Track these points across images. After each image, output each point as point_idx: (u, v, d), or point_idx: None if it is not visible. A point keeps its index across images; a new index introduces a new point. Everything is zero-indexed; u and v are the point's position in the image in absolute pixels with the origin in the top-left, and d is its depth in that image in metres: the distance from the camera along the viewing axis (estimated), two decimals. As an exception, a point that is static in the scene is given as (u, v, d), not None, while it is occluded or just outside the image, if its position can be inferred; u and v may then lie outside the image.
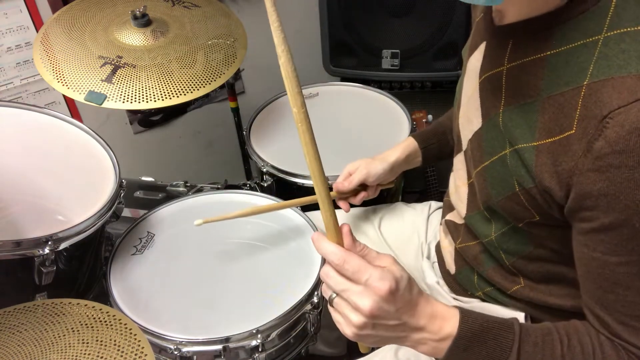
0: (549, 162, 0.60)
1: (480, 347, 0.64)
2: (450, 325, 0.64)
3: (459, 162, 0.86)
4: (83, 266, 1.01)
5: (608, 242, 0.58)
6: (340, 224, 0.64)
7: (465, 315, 0.65)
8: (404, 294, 0.61)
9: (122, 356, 0.72)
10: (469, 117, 0.77)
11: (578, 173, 0.57)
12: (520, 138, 0.64)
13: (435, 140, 1.06)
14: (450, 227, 0.92)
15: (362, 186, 1.05)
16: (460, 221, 0.88)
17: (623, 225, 0.56)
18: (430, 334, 0.64)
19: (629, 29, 0.55)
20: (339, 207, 1.06)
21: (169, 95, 1.08)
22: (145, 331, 0.86)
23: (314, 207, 1.20)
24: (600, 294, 0.62)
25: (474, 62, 0.76)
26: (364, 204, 1.18)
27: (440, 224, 0.99)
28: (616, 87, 0.53)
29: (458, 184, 0.87)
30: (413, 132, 1.33)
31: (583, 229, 0.61)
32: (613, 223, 0.56)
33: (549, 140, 0.60)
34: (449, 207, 0.94)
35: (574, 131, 0.57)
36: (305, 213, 1.11)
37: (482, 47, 0.74)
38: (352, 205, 1.12)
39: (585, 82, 0.56)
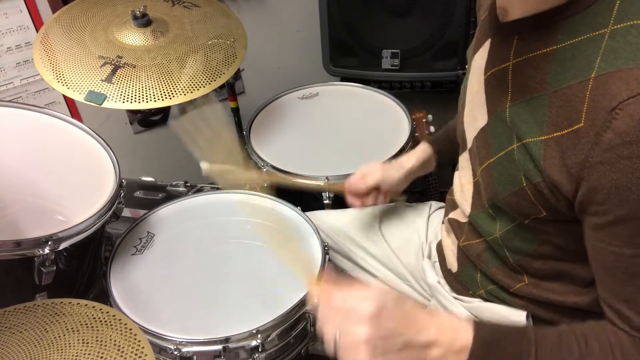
0: (558, 156, 0.60)
1: (499, 355, 0.64)
2: (463, 336, 0.64)
3: (464, 161, 0.86)
4: (83, 266, 1.01)
5: (622, 235, 0.58)
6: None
7: (478, 324, 0.65)
8: (395, 310, 0.63)
9: (122, 356, 0.72)
10: (474, 114, 0.78)
11: (588, 166, 0.57)
12: (527, 132, 0.64)
13: (448, 144, 1.05)
14: (454, 225, 0.92)
15: (374, 189, 1.04)
16: (464, 219, 0.88)
17: (637, 217, 0.56)
18: (444, 349, 0.63)
19: (635, 22, 0.55)
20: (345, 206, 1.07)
21: (169, 95, 1.08)
22: (145, 331, 0.86)
23: (314, 207, 1.21)
24: (618, 287, 0.62)
25: (479, 60, 0.76)
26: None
27: (443, 222, 0.99)
28: (624, 79, 0.53)
29: (463, 182, 0.87)
30: (413, 132, 1.33)
31: (596, 224, 0.60)
32: (627, 216, 0.56)
33: (557, 134, 0.60)
34: (452, 206, 0.94)
35: (582, 124, 0.57)
36: (306, 213, 1.11)
37: (487, 44, 0.74)
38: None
39: (592, 75, 0.56)
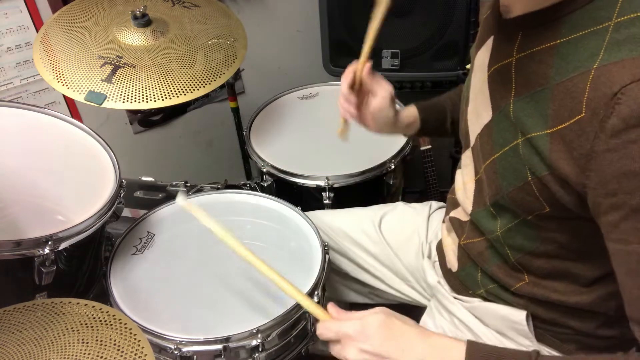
0: (564, 149, 0.60)
1: None
2: (455, 352, 0.65)
3: (466, 159, 0.86)
4: (83, 266, 1.01)
5: None
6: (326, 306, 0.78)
7: (472, 342, 0.66)
8: (378, 328, 0.69)
9: (122, 356, 0.71)
10: (478, 111, 0.78)
11: (595, 156, 0.56)
12: (532, 127, 0.64)
13: (433, 115, 1.04)
14: (455, 224, 0.92)
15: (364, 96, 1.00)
16: (465, 218, 0.88)
17: None
18: None
19: (639, 13, 0.56)
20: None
21: (169, 95, 1.08)
22: (145, 331, 0.86)
23: (314, 207, 1.21)
24: None
25: (482, 57, 0.77)
26: (364, 203, 1.19)
27: (443, 221, 0.99)
28: (627, 67, 0.53)
29: (465, 180, 0.87)
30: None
31: (613, 222, 0.58)
32: None
33: (561, 126, 0.60)
34: (453, 205, 0.94)
35: (583, 114, 0.57)
36: (306, 213, 1.11)
37: (490, 41, 0.75)
38: (352, 203, 1.11)
39: (594, 66, 0.56)
